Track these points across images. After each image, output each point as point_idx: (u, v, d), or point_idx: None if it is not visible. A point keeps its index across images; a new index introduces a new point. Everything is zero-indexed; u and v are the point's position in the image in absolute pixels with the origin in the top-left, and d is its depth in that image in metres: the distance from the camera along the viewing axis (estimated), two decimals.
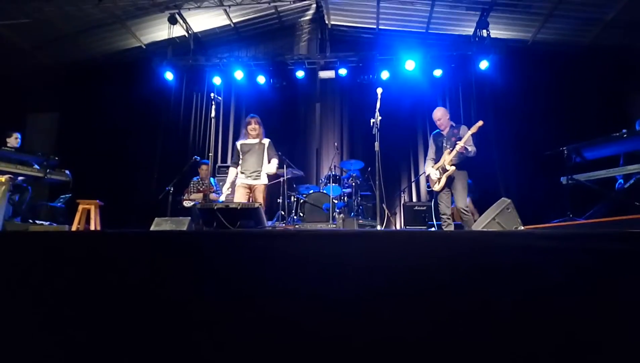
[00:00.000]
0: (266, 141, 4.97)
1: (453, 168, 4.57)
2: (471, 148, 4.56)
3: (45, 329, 1.51)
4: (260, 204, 3.42)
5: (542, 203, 5.81)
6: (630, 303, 1.26)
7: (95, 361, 1.45)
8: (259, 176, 4.79)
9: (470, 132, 4.52)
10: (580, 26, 7.05)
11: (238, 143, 4.99)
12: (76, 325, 1.51)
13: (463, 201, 4.55)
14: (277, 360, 1.37)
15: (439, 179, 4.68)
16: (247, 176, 4.77)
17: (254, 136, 4.90)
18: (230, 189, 4.91)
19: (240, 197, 4.67)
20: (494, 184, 7.08)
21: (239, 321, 1.44)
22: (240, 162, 4.89)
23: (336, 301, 1.43)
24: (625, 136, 4.10)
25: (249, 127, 4.91)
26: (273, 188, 6.93)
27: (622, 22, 6.65)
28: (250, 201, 4.68)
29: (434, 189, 4.83)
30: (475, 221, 5.76)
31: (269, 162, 4.90)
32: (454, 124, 4.83)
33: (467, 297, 1.38)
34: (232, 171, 4.93)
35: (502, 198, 4.19)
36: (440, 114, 4.88)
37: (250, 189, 4.78)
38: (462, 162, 4.63)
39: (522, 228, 3.82)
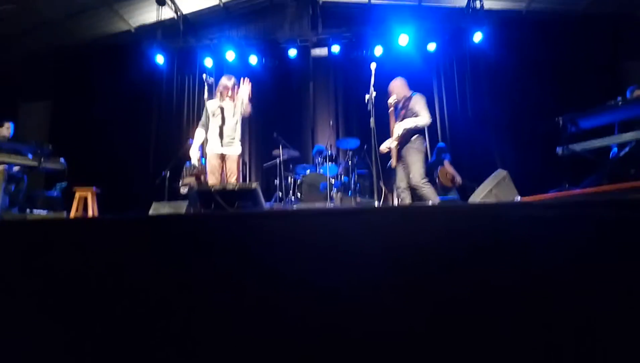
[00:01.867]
0: (240, 100, 4.42)
1: (395, 143, 4.35)
2: (412, 123, 4.24)
3: (45, 318, 1.52)
4: (257, 185, 3.41)
5: (539, 173, 5.83)
6: (625, 271, 1.27)
7: (93, 351, 1.47)
8: (232, 142, 4.32)
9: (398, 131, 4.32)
10: None
11: (209, 104, 4.39)
12: (76, 314, 1.52)
13: (415, 176, 4.21)
14: (273, 349, 1.39)
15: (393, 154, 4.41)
16: (217, 143, 4.28)
17: (229, 98, 4.38)
18: (199, 153, 4.52)
19: (214, 169, 4.25)
20: (490, 156, 7.10)
21: (235, 307, 1.45)
22: (210, 125, 4.33)
23: (335, 284, 1.44)
24: (620, 104, 4.10)
25: (224, 90, 4.35)
26: (270, 170, 6.93)
27: None
28: (224, 173, 4.33)
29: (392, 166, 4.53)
30: (457, 183, 6.07)
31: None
32: (407, 95, 4.46)
33: (469, 273, 1.39)
34: (200, 133, 4.37)
35: (499, 170, 4.20)
36: (392, 85, 4.59)
37: (222, 159, 4.31)
38: (412, 133, 4.29)
39: (519, 199, 3.84)
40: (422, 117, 4.26)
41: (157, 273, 1.57)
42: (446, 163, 6.37)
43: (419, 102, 4.34)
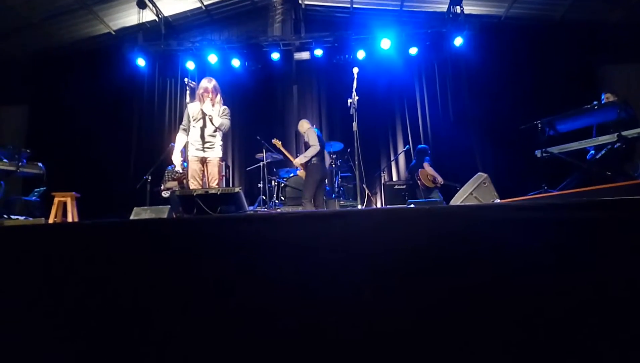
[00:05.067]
0: (222, 108, 4.34)
1: (300, 172, 5.56)
2: (304, 158, 5.27)
3: (24, 324, 1.49)
4: (239, 189, 3.40)
5: (518, 176, 5.95)
6: (600, 270, 1.31)
7: (72, 357, 1.45)
8: (213, 146, 4.22)
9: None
10: (551, 0, 7.13)
11: (190, 107, 4.30)
12: (55, 321, 1.50)
13: (303, 194, 5.31)
14: (257, 350, 1.39)
15: None
16: (198, 147, 4.18)
17: (210, 101, 4.24)
18: (182, 157, 4.42)
19: (195, 174, 4.17)
20: (471, 159, 7.20)
21: (220, 310, 1.45)
22: (191, 129, 4.25)
23: (318, 286, 1.44)
24: (595, 107, 4.22)
25: (204, 93, 4.21)
26: (253, 173, 6.91)
27: None
28: (205, 176, 4.25)
29: None
30: (439, 183, 6.42)
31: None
32: (305, 131, 5.46)
33: (447, 274, 1.41)
34: (181, 138, 4.28)
35: (479, 173, 4.27)
36: (298, 125, 5.71)
37: (203, 163, 4.23)
38: (309, 161, 5.27)
39: (499, 201, 3.90)
40: (311, 148, 5.22)
41: (138, 278, 1.56)
42: (425, 164, 6.47)
43: (309, 136, 5.31)
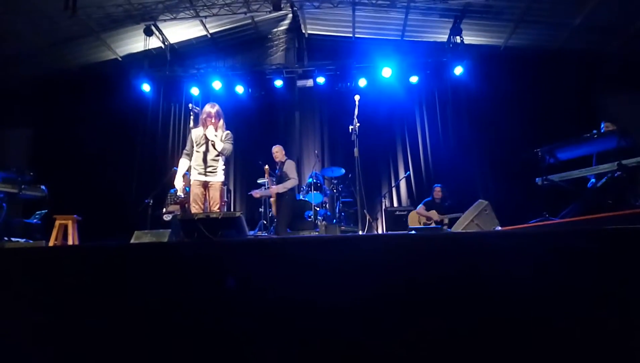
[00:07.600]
0: (225, 133, 4.34)
1: (272, 199, 5.62)
2: (282, 188, 5.39)
3: (23, 342, 1.48)
4: (240, 213, 3.39)
5: (519, 204, 5.92)
6: (601, 297, 1.30)
7: None
8: (215, 170, 4.23)
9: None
10: (549, 31, 7.28)
11: (193, 132, 4.34)
12: (58, 338, 1.49)
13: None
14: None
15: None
16: (200, 171, 4.20)
17: (213, 126, 4.26)
18: (184, 182, 4.42)
19: (196, 198, 4.18)
20: (473, 187, 7.21)
21: (220, 328, 1.44)
22: (194, 153, 4.27)
23: (318, 307, 1.44)
24: (595, 136, 4.24)
25: (207, 118, 4.24)
26: (255, 197, 6.92)
27: (588, 27, 6.88)
28: (207, 200, 4.25)
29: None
30: (434, 221, 6.31)
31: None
32: (283, 160, 5.63)
33: (448, 299, 1.40)
34: (184, 162, 4.32)
35: (480, 200, 4.26)
36: (273, 150, 5.76)
37: (205, 187, 4.23)
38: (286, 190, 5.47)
39: (499, 228, 3.89)
40: (292, 180, 5.40)
41: (138, 300, 1.55)
42: (420, 208, 6.44)
43: (290, 167, 5.48)
